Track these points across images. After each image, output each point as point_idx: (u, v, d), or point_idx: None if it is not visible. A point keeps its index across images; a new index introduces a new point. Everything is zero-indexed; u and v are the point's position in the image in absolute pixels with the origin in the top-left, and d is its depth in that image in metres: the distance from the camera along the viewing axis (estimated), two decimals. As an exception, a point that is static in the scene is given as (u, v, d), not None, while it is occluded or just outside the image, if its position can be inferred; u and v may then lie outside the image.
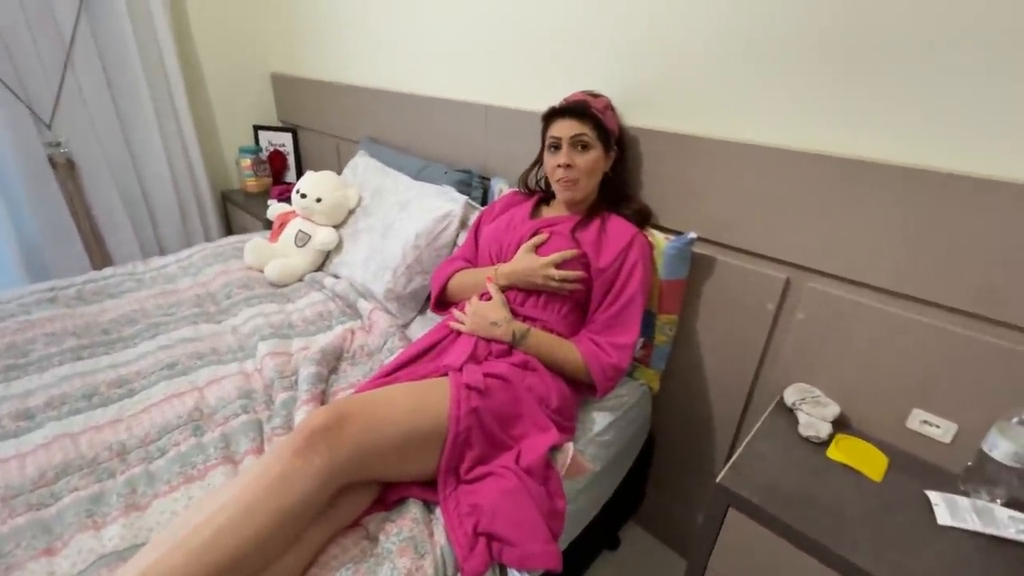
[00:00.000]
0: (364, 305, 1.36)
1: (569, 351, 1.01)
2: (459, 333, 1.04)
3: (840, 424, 0.97)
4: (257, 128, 2.47)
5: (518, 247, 1.07)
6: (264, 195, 2.34)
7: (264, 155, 2.45)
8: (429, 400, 0.83)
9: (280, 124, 2.57)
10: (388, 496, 0.82)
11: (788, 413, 1.01)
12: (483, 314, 1.00)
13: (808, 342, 1.00)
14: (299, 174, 2.51)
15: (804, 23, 0.88)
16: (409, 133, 1.80)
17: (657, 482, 1.39)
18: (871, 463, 0.89)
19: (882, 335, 0.91)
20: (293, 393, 1.03)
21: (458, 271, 1.17)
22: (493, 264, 1.12)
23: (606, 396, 1.08)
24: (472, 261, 1.21)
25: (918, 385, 0.89)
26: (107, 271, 1.56)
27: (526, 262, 1.03)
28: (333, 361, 1.16)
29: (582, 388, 1.05)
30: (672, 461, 1.34)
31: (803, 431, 0.94)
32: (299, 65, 2.31)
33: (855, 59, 0.84)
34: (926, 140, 0.81)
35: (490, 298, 1.04)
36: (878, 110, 0.85)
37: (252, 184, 2.36)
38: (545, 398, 0.95)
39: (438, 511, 0.81)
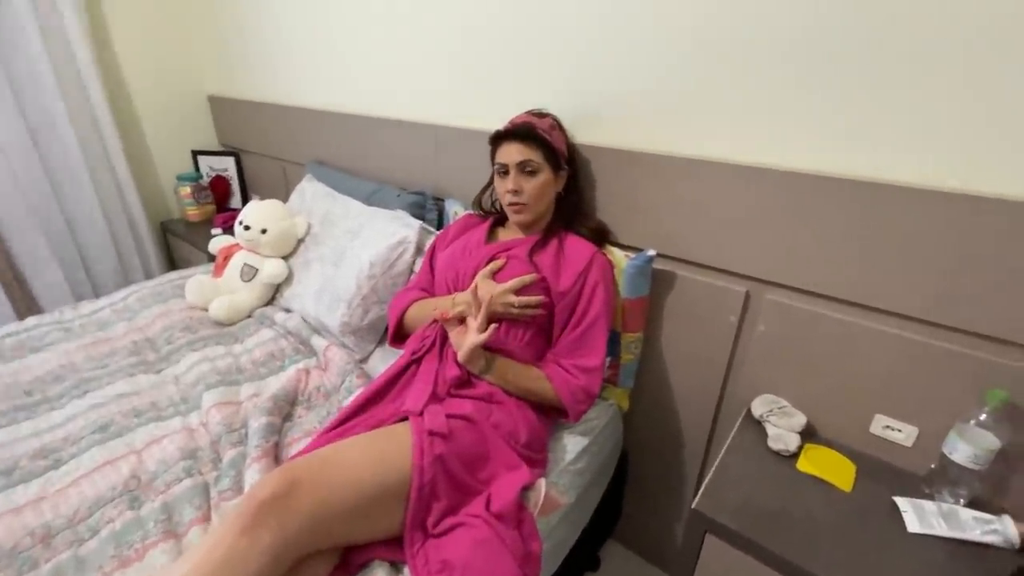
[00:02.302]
0: (318, 342, 1.29)
1: (536, 377, 0.98)
2: (418, 366, 0.99)
3: (807, 433, 0.97)
4: (196, 153, 2.34)
5: (475, 274, 1.03)
6: (208, 224, 2.22)
7: (205, 181, 2.33)
8: (389, 452, 0.78)
9: (221, 148, 2.45)
10: (351, 560, 0.76)
11: (757, 425, 1.01)
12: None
13: (771, 353, 1.01)
14: (244, 199, 2.39)
15: (756, 36, 0.88)
16: (358, 155, 1.73)
17: (633, 498, 1.38)
18: (839, 472, 0.90)
19: (841, 344, 0.92)
20: (242, 449, 0.95)
21: (414, 301, 1.12)
22: (450, 293, 1.08)
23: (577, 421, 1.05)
24: (429, 290, 1.16)
25: (879, 391, 0.90)
26: (30, 321, 1.42)
27: (484, 290, 0.99)
28: (287, 407, 1.08)
29: (552, 414, 1.02)
30: (647, 477, 1.32)
31: (772, 445, 0.94)
32: (237, 86, 2.20)
33: (808, 76, 0.85)
34: (876, 154, 0.82)
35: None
36: (829, 125, 0.85)
37: (194, 213, 2.23)
38: (513, 433, 0.91)
39: (406, 570, 0.76)
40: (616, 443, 1.19)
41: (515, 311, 0.98)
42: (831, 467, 0.91)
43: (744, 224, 0.96)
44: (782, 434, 0.95)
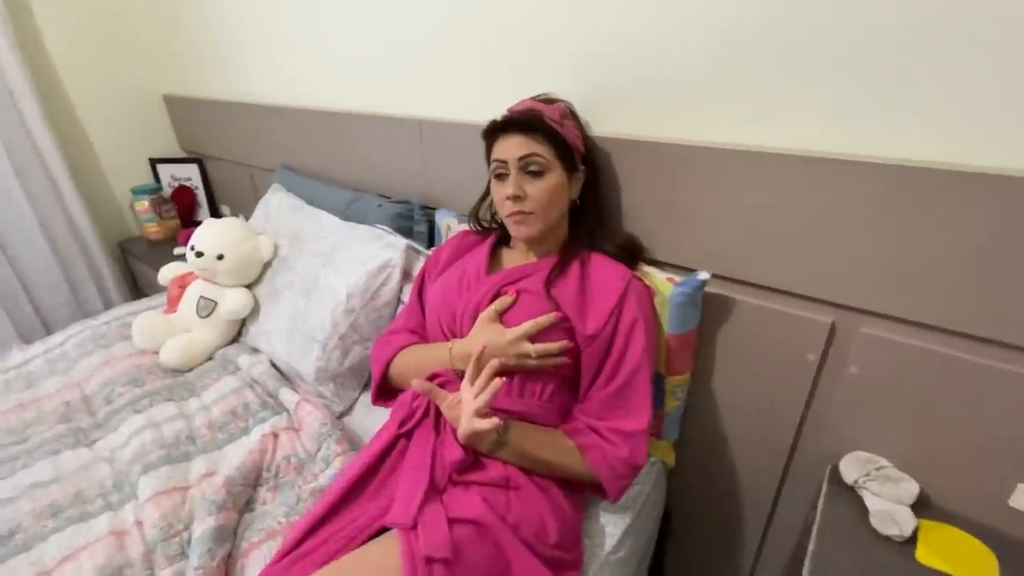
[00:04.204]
0: (288, 396, 1.05)
1: (563, 448, 0.75)
2: (408, 440, 0.77)
3: (917, 503, 0.75)
4: (154, 161, 2.08)
5: (476, 315, 0.80)
6: (171, 241, 1.97)
7: (167, 193, 2.07)
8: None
9: (184, 155, 2.19)
10: None
11: (848, 492, 0.78)
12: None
13: (866, 401, 0.78)
14: (213, 210, 2.15)
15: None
16: (334, 158, 1.48)
17: (677, 558, 1.16)
18: (976, 564, 0.67)
19: (967, 392, 0.69)
20: (182, 565, 0.72)
21: (403, 348, 0.88)
22: (446, 339, 0.84)
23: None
24: (420, 332, 0.92)
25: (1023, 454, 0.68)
26: (-56, 380, 1.19)
27: (490, 337, 0.76)
28: (246, 492, 0.85)
29: (584, 490, 0.80)
30: (694, 539, 1.10)
31: (881, 527, 0.71)
32: (196, 84, 1.94)
33: (902, 32, 0.61)
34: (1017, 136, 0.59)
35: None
36: (942, 99, 0.61)
37: (154, 230, 1.98)
38: (540, 533, 0.69)
39: None
40: (661, 505, 0.97)
41: (532, 363, 0.75)
42: (963, 556, 0.68)
43: (828, 235, 0.73)
44: (890, 510, 0.72)
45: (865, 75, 0.65)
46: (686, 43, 0.78)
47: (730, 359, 0.90)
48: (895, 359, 0.73)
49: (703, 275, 0.81)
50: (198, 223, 2.06)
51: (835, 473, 0.81)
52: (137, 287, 2.11)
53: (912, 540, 0.71)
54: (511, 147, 0.79)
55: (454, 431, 0.72)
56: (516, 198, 0.78)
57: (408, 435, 0.76)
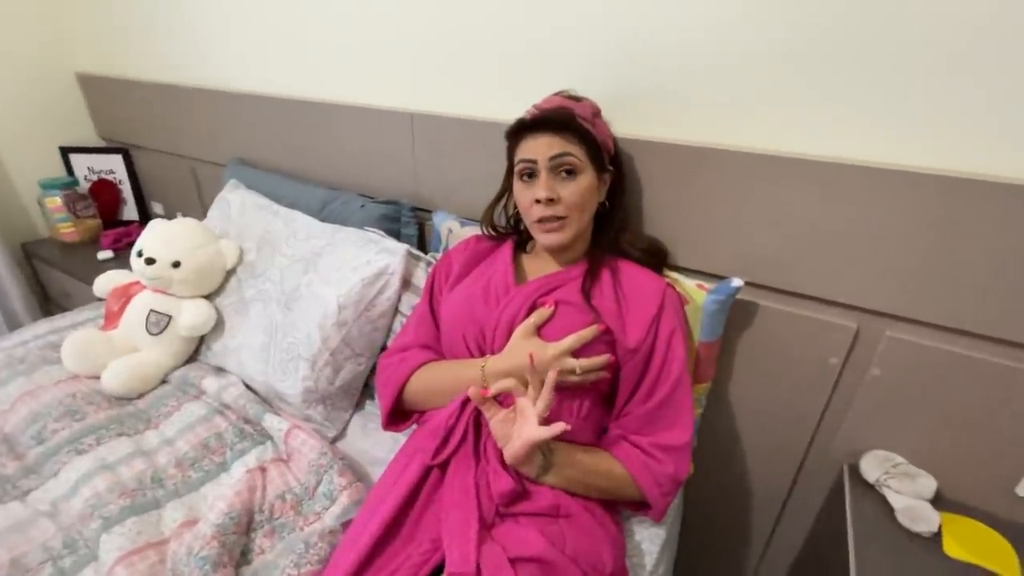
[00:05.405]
0: (274, 424, 0.92)
1: (609, 468, 0.71)
2: (443, 472, 0.69)
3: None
4: (66, 151, 1.79)
5: (511, 329, 0.73)
6: (92, 244, 1.71)
7: (83, 188, 1.79)
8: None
9: (103, 143, 1.90)
10: None
11: (870, 491, 0.81)
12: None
13: (883, 401, 0.81)
14: (142, 208, 1.89)
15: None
16: (304, 152, 1.34)
17: (681, 555, 1.16)
18: (999, 556, 0.71)
19: (984, 390, 0.73)
20: (177, 642, 0.60)
21: (420, 366, 0.80)
22: (471, 355, 0.77)
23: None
24: (435, 347, 0.84)
25: (1035, 448, 0.73)
26: None
27: (530, 351, 0.70)
28: (242, 541, 0.73)
29: (622, 508, 0.77)
30: (700, 539, 1.10)
31: (908, 524, 0.74)
32: (120, 61, 1.68)
33: (946, 38, 0.62)
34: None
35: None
36: (983, 109, 0.64)
37: (69, 231, 1.71)
38: (597, 563, 0.64)
39: None
40: (681, 512, 0.96)
41: (575, 378, 0.70)
42: (984, 547, 0.72)
43: (858, 242, 0.74)
44: (915, 506, 0.75)
45: (902, 85, 0.67)
46: (719, 42, 0.76)
47: (749, 364, 0.90)
48: (917, 360, 0.76)
49: (736, 282, 0.80)
50: (124, 223, 1.84)
51: (853, 472, 0.84)
52: (47, 297, 1.81)
53: (936, 534, 0.74)
54: (541, 147, 0.73)
55: (499, 458, 0.65)
56: (549, 201, 0.73)
57: (442, 465, 0.69)
